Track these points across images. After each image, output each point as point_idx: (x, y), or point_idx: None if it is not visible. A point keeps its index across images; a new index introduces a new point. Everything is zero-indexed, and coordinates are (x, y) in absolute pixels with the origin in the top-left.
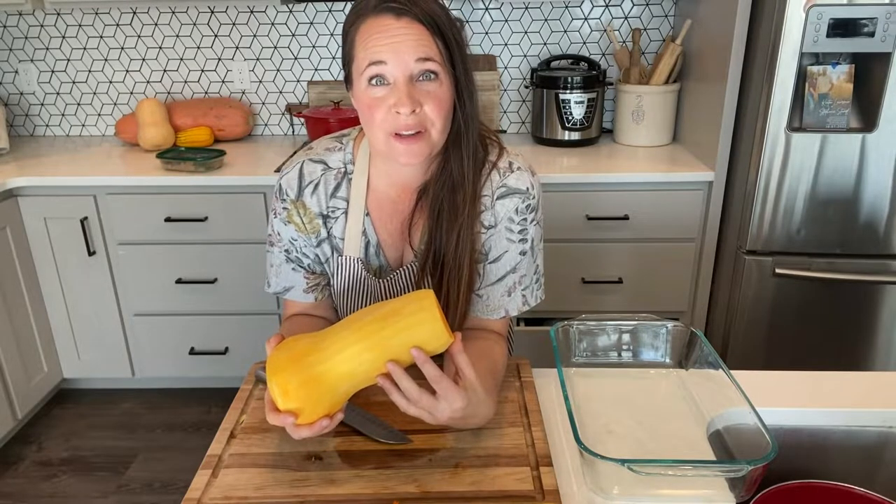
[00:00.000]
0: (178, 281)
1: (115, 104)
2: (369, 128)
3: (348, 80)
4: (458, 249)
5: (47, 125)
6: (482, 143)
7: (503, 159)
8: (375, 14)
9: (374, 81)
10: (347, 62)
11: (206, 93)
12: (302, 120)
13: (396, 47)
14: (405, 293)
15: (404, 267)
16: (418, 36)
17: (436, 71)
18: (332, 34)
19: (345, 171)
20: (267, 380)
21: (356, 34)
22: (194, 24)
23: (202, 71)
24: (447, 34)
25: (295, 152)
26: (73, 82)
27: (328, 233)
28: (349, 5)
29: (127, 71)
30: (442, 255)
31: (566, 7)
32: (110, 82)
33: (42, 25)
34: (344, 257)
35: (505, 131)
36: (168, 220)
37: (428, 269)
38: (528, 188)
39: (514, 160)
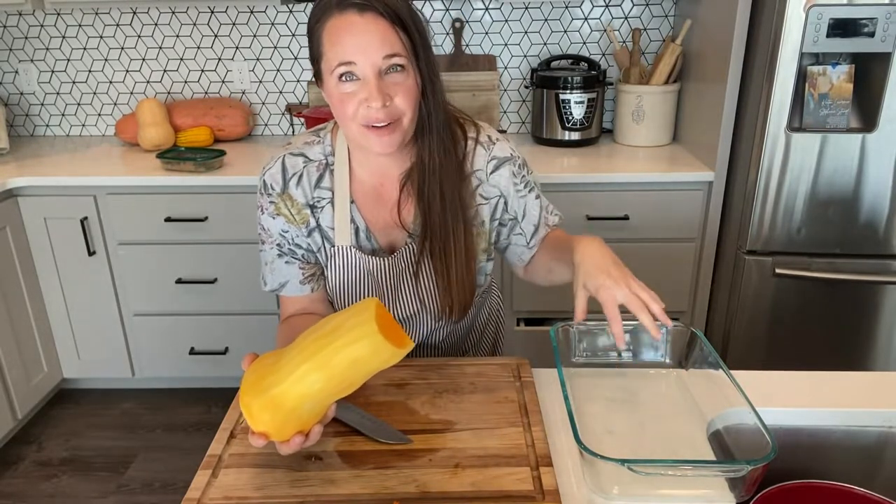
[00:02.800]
0: (178, 281)
1: (115, 104)
2: (342, 121)
3: (318, 76)
4: (452, 225)
5: (47, 125)
6: (457, 123)
7: (482, 134)
8: (339, 11)
9: (343, 78)
10: (316, 59)
11: (206, 93)
12: (302, 120)
13: (364, 46)
14: (406, 273)
15: (404, 246)
16: (383, 32)
17: (402, 64)
18: None
19: (326, 162)
20: None
21: (322, 32)
22: (194, 24)
23: (202, 71)
24: (409, 26)
25: None
26: (73, 82)
27: (317, 222)
28: None
29: (127, 71)
30: (437, 232)
31: (566, 7)
32: (110, 82)
33: (42, 25)
34: (337, 247)
35: (505, 131)
36: (168, 220)
37: (426, 249)
38: (511, 153)
39: (490, 133)
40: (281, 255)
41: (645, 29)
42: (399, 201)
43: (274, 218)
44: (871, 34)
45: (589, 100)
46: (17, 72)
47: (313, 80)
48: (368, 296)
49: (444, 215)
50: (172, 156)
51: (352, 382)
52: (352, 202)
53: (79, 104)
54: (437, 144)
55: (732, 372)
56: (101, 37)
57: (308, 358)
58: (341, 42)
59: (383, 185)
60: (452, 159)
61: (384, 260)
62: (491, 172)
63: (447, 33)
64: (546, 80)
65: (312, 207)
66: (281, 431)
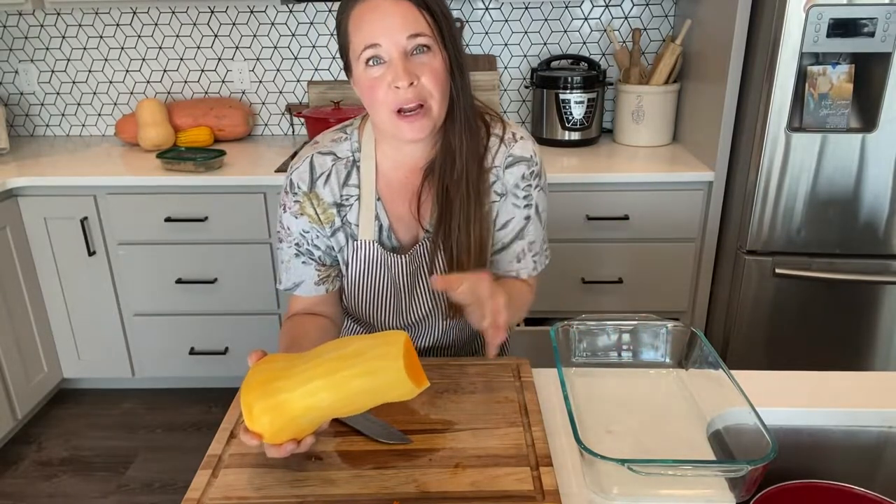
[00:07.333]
0: (178, 281)
1: (115, 104)
2: (373, 108)
3: (348, 69)
4: (467, 221)
5: (47, 125)
6: (482, 118)
7: (507, 131)
8: None
9: (370, 62)
10: (344, 50)
11: (206, 93)
12: (302, 120)
13: (388, 27)
14: (421, 271)
15: (420, 243)
16: (407, 13)
17: (427, 44)
18: (332, 34)
19: (353, 159)
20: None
21: (348, 21)
22: (194, 24)
23: (202, 71)
24: (434, 8)
25: (296, 152)
26: (73, 82)
27: (342, 221)
28: None
29: (127, 71)
30: (453, 223)
31: (566, 7)
32: (110, 82)
33: (42, 25)
34: (359, 241)
35: None
36: (168, 220)
37: (439, 244)
38: (531, 155)
39: (517, 130)
40: (298, 255)
41: (645, 29)
42: (419, 193)
43: (297, 217)
44: (871, 34)
45: (589, 100)
46: (17, 72)
47: (345, 77)
48: (387, 294)
49: (463, 205)
50: (172, 156)
51: (360, 407)
52: (378, 199)
53: (79, 104)
54: (465, 128)
55: (732, 372)
56: (101, 37)
57: (323, 375)
58: (366, 26)
59: (407, 177)
60: (476, 148)
61: (402, 258)
62: (505, 168)
63: None
64: (546, 79)
65: (340, 206)
66: (276, 436)
